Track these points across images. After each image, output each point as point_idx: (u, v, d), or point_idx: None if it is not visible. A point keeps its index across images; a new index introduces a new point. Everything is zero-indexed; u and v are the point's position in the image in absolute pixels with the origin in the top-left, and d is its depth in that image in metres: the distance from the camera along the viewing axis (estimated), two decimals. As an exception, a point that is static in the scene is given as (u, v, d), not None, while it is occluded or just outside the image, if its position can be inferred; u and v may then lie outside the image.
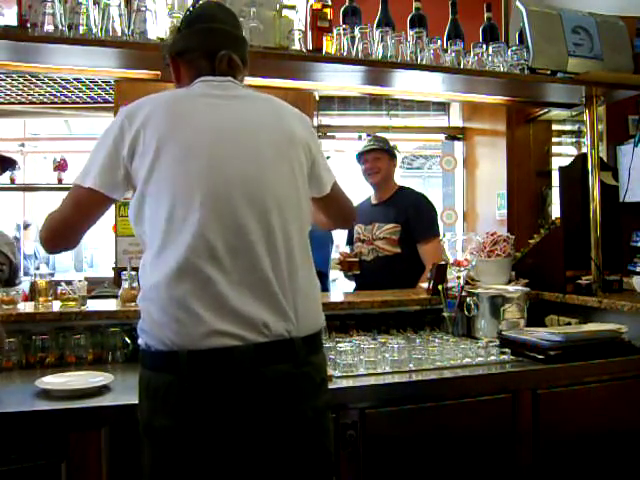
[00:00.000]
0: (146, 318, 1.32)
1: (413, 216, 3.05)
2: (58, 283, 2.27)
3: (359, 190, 3.38)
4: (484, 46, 2.55)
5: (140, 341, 1.35)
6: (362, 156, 3.18)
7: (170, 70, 1.57)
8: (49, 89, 4.04)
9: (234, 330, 1.26)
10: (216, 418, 1.25)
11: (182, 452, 1.25)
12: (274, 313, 1.31)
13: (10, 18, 2.01)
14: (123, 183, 1.38)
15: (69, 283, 2.23)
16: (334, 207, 1.69)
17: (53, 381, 1.78)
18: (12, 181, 4.18)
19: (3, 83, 3.89)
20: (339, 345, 2.02)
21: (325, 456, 1.39)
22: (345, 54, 2.31)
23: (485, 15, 2.73)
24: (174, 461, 1.26)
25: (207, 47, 1.47)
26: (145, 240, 1.37)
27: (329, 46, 2.32)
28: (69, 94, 4.18)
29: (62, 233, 1.44)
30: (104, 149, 1.37)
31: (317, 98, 3.91)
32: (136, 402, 1.63)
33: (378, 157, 3.13)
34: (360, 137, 4.33)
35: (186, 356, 1.24)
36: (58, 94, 4.19)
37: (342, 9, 2.43)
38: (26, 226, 6.68)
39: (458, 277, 2.51)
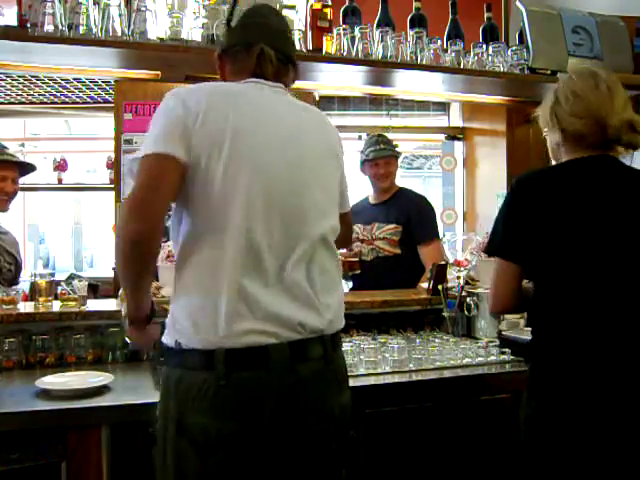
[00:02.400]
0: (179, 316, 1.31)
1: (415, 218, 3.05)
2: (58, 283, 2.27)
3: (359, 190, 3.37)
4: (484, 46, 2.55)
5: (168, 339, 1.33)
6: (374, 159, 3.11)
7: (217, 67, 1.54)
8: (49, 89, 4.04)
9: (269, 328, 1.28)
10: (252, 414, 1.27)
11: (219, 448, 1.25)
12: (309, 312, 1.33)
13: (10, 18, 2.01)
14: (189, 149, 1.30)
15: (69, 283, 2.23)
16: (344, 226, 1.63)
17: (53, 381, 1.78)
18: (12, 181, 4.18)
19: (3, 83, 3.89)
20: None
21: (346, 449, 1.43)
22: (345, 54, 2.31)
23: (485, 15, 2.73)
24: (211, 457, 1.26)
25: (246, 40, 1.46)
26: (182, 237, 1.34)
27: (329, 46, 2.32)
28: (69, 94, 4.17)
29: (148, 208, 1.26)
30: (171, 122, 1.30)
31: (317, 98, 3.90)
32: (136, 402, 1.64)
33: (389, 162, 3.12)
34: (360, 137, 4.33)
35: (223, 354, 1.25)
36: (58, 94, 4.19)
37: (342, 9, 2.43)
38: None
39: (458, 277, 2.51)
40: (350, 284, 3.20)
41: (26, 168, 2.74)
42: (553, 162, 1.70)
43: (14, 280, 2.69)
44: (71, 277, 2.47)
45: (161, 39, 2.15)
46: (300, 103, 1.51)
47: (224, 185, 1.29)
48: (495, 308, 1.60)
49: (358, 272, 3.03)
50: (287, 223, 1.34)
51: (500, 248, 1.54)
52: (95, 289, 2.34)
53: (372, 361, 1.94)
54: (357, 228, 3.17)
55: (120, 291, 2.27)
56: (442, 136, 4.53)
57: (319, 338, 1.35)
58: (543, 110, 1.60)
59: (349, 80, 2.56)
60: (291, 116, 1.44)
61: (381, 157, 3.08)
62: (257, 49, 1.43)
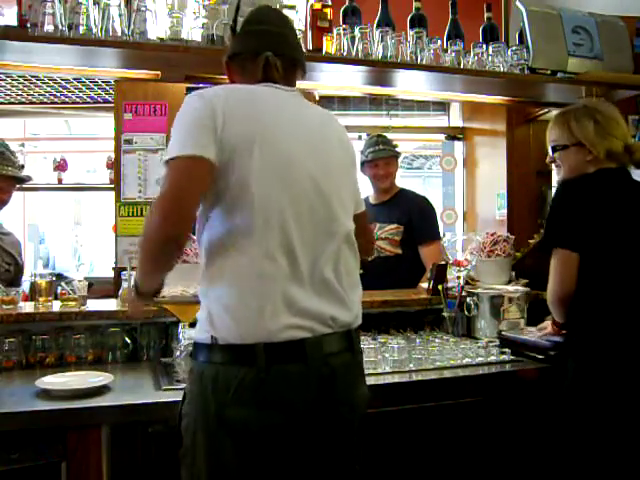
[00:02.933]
0: (216, 312, 1.32)
1: (416, 218, 3.05)
2: (58, 283, 2.27)
3: (363, 191, 3.38)
4: (484, 46, 2.55)
5: (202, 335, 1.34)
6: (373, 160, 3.12)
7: (226, 74, 1.57)
8: (49, 89, 4.03)
9: (304, 323, 1.32)
10: (292, 406, 1.30)
11: (260, 440, 1.29)
12: (340, 307, 1.39)
13: (10, 18, 2.01)
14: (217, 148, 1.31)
15: (69, 283, 2.22)
16: (360, 228, 1.63)
17: (53, 381, 1.78)
18: (12, 181, 4.17)
19: (3, 83, 3.88)
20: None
21: (359, 446, 1.46)
22: (345, 54, 2.31)
23: (485, 15, 2.73)
24: (250, 449, 1.29)
25: (253, 49, 1.48)
26: (214, 234, 1.35)
27: (329, 46, 2.32)
28: (69, 94, 4.17)
29: (176, 210, 1.28)
30: (199, 124, 1.31)
31: (317, 98, 3.90)
32: (136, 402, 1.64)
33: (389, 162, 3.12)
34: (360, 137, 4.33)
35: (262, 349, 1.28)
36: (58, 94, 4.18)
37: (342, 9, 2.43)
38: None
39: (458, 277, 2.52)
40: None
41: (22, 179, 2.74)
42: (566, 171, 1.92)
43: (14, 281, 2.69)
44: (59, 278, 2.46)
45: (161, 39, 2.15)
46: (312, 104, 1.57)
47: (258, 184, 1.32)
48: (562, 293, 1.78)
49: (361, 272, 3.02)
50: (317, 223, 1.38)
51: (562, 239, 1.77)
52: (89, 287, 2.34)
53: (372, 361, 1.94)
54: None
55: (120, 291, 2.28)
56: (442, 136, 4.53)
57: (347, 332, 1.40)
58: (580, 130, 1.88)
59: (349, 80, 2.56)
60: (313, 117, 1.50)
61: (380, 158, 3.08)
62: (262, 58, 1.46)
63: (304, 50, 2.25)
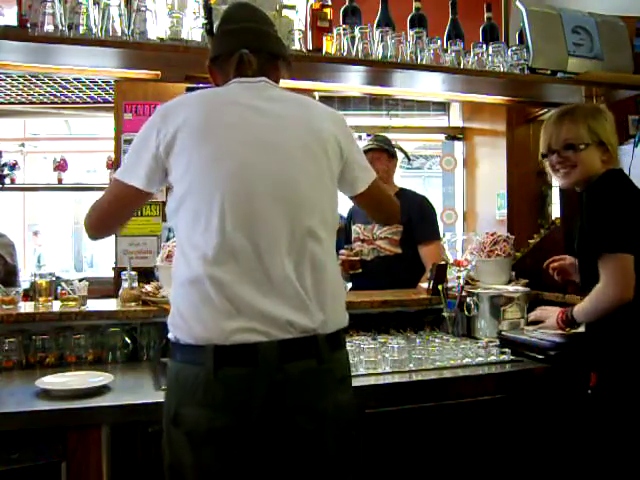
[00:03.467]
0: (175, 313, 1.37)
1: (416, 217, 3.05)
2: (58, 283, 2.27)
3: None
4: (484, 46, 2.55)
5: (170, 335, 1.38)
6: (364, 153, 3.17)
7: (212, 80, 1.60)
8: (49, 89, 4.04)
9: (258, 327, 1.30)
10: (240, 410, 1.29)
11: (210, 440, 1.29)
12: (298, 311, 1.33)
13: (10, 18, 2.01)
14: (161, 179, 1.44)
15: (69, 283, 2.22)
16: (372, 206, 1.70)
17: (53, 381, 1.78)
18: (12, 181, 4.18)
19: (3, 83, 3.89)
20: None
21: (349, 449, 1.41)
22: (345, 54, 2.31)
23: (485, 15, 2.73)
24: (203, 448, 1.29)
25: (228, 49, 1.49)
26: (177, 238, 1.44)
27: (329, 46, 2.32)
28: (69, 94, 4.18)
29: (105, 223, 1.56)
30: (143, 146, 1.41)
31: (317, 98, 3.91)
32: (136, 402, 1.65)
33: (377, 157, 3.13)
34: (360, 137, 4.33)
35: (213, 350, 1.28)
36: (58, 94, 4.19)
37: (342, 9, 2.43)
38: (35, 232, 6.65)
39: (458, 277, 2.51)
40: (349, 284, 3.20)
41: None
42: (582, 172, 1.87)
43: (8, 281, 2.68)
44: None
45: (161, 39, 2.15)
46: (285, 94, 1.50)
47: (204, 187, 1.35)
48: (628, 294, 1.72)
49: (359, 271, 3.03)
50: (272, 219, 1.35)
51: (619, 243, 1.73)
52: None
53: (372, 361, 1.94)
54: (358, 228, 3.18)
55: (120, 291, 2.28)
56: (442, 136, 4.53)
57: (312, 338, 1.34)
58: (600, 128, 1.87)
59: (349, 80, 2.56)
60: (273, 111, 1.44)
61: (368, 150, 3.10)
62: (236, 57, 1.47)
63: (304, 50, 2.28)
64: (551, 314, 2.04)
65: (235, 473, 1.30)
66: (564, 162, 1.88)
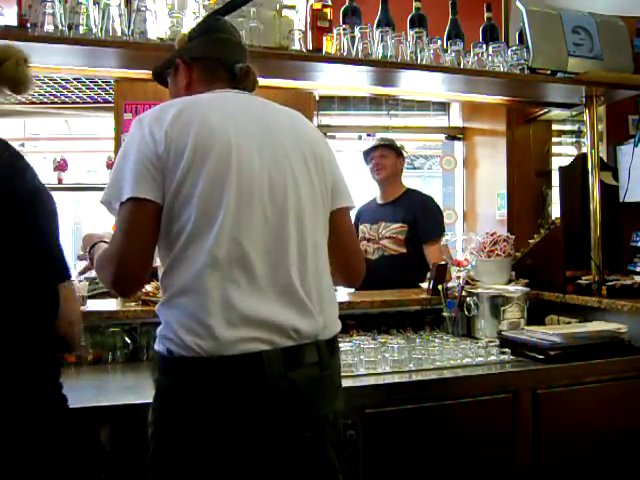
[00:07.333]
0: (170, 324, 1.29)
1: (421, 217, 3.08)
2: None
3: (362, 191, 3.39)
4: (484, 46, 2.55)
5: (160, 347, 1.30)
6: (369, 154, 3.24)
7: (176, 75, 1.55)
8: (49, 89, 4.04)
9: (262, 335, 1.27)
10: (246, 421, 1.25)
11: (214, 453, 1.25)
12: (304, 318, 1.32)
13: (10, 18, 2.01)
14: (161, 186, 1.30)
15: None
16: (338, 235, 1.51)
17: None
18: (12, 181, 4.17)
19: (3, 83, 3.88)
20: (339, 345, 2.02)
21: (335, 458, 1.39)
22: (345, 54, 2.31)
23: (485, 15, 2.73)
24: (206, 461, 1.25)
25: (227, 57, 1.50)
26: (170, 244, 1.32)
27: (329, 46, 2.32)
28: (69, 94, 4.17)
29: (126, 264, 1.30)
30: (133, 158, 1.30)
31: (317, 98, 3.91)
32: (136, 402, 1.64)
33: (384, 154, 3.19)
34: (360, 137, 4.33)
35: (217, 362, 1.24)
36: (58, 94, 4.19)
37: (342, 9, 2.43)
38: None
39: (458, 277, 2.51)
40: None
41: None
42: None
43: None
44: None
45: (161, 39, 2.15)
46: (276, 106, 1.50)
47: (205, 194, 1.28)
48: None
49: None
50: (274, 227, 1.32)
51: None
52: None
53: (372, 361, 1.94)
54: (364, 227, 3.21)
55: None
56: (442, 136, 4.54)
57: (314, 344, 1.33)
58: None
59: (349, 80, 2.55)
60: (269, 122, 1.43)
61: (372, 148, 3.16)
62: (241, 68, 1.49)
63: (304, 50, 2.28)
64: None
65: None
66: None
